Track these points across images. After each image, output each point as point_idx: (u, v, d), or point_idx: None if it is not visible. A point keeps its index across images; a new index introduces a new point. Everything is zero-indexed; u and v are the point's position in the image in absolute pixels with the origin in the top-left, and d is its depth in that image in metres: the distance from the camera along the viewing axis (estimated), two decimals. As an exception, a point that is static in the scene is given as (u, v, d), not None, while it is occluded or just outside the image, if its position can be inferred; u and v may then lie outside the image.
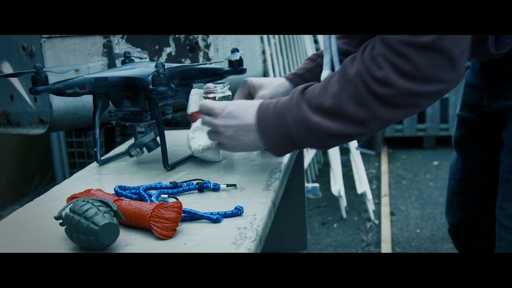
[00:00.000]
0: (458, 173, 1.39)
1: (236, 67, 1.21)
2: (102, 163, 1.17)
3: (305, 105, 0.95)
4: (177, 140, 1.31)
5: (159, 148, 1.12)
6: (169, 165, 1.09)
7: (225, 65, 1.22)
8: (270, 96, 1.18)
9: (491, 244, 1.34)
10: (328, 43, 1.12)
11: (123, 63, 1.23)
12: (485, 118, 1.24)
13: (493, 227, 1.21)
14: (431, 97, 0.90)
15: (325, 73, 1.13)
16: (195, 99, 1.12)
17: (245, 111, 1.02)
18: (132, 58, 1.23)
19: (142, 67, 1.10)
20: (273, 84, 1.21)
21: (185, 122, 2.58)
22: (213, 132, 1.04)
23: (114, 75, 1.07)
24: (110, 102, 1.11)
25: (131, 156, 1.16)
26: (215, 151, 1.10)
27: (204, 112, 1.05)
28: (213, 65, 1.21)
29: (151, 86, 1.00)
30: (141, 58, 1.44)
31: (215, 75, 1.19)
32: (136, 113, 1.11)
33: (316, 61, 1.25)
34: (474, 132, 1.33)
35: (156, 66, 1.00)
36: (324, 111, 0.93)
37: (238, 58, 1.20)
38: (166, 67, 1.04)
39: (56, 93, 1.02)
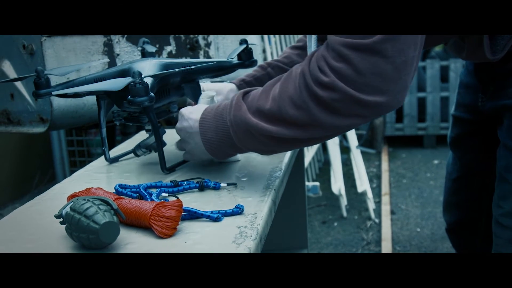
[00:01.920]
0: (455, 173, 1.40)
1: (245, 60, 1.15)
2: (111, 161, 1.17)
3: (245, 107, 0.92)
4: (177, 139, 1.30)
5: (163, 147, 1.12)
6: (167, 169, 1.07)
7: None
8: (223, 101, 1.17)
9: (488, 242, 1.34)
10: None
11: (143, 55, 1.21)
12: (480, 118, 1.25)
13: (490, 225, 1.21)
14: (375, 109, 0.84)
15: None
16: (205, 103, 1.10)
17: (192, 114, 1.02)
18: (152, 52, 1.20)
19: (140, 65, 1.07)
20: (225, 90, 1.22)
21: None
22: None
23: (85, 89, 1.01)
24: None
25: (138, 156, 1.15)
26: None
27: None
28: (218, 59, 1.17)
29: (129, 97, 0.95)
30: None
31: (221, 69, 1.14)
32: (139, 113, 1.10)
33: (266, 70, 1.25)
34: (469, 131, 1.33)
35: (132, 76, 0.94)
36: (263, 114, 0.90)
37: (242, 49, 1.14)
38: (167, 63, 1.02)
39: (58, 95, 1.01)
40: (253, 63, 1.15)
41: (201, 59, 1.13)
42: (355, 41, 0.81)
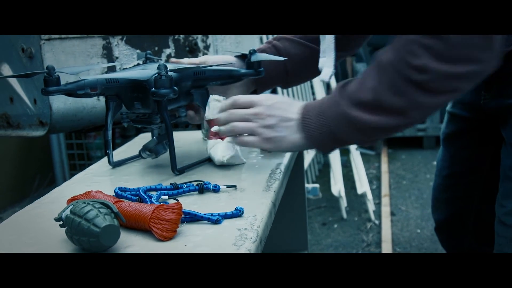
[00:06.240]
0: (446, 170, 1.38)
1: (256, 68, 1.17)
2: (114, 165, 1.16)
3: (343, 101, 0.93)
4: (177, 141, 1.30)
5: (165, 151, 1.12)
6: (177, 170, 1.07)
7: (234, 66, 1.19)
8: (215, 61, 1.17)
9: (477, 241, 1.34)
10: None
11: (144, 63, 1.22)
12: (478, 116, 1.24)
13: (479, 224, 1.20)
14: (469, 79, 0.88)
15: (322, 60, 1.12)
16: (214, 106, 1.10)
17: (289, 105, 1.01)
18: (153, 58, 1.21)
19: (154, 68, 1.08)
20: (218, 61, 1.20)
21: (185, 124, 2.58)
22: (249, 122, 1.02)
23: (121, 76, 1.05)
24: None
25: (143, 158, 1.16)
26: (236, 155, 1.10)
27: (239, 106, 1.03)
28: (228, 67, 1.18)
29: (153, 89, 0.99)
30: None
31: (231, 77, 1.16)
32: (148, 115, 1.09)
33: (272, 43, 1.26)
34: (465, 128, 1.32)
35: (158, 68, 0.99)
36: (363, 105, 0.91)
37: (257, 59, 1.16)
38: (179, 68, 1.02)
39: (68, 94, 1.00)
40: (261, 72, 1.17)
41: (213, 66, 1.12)
42: None
